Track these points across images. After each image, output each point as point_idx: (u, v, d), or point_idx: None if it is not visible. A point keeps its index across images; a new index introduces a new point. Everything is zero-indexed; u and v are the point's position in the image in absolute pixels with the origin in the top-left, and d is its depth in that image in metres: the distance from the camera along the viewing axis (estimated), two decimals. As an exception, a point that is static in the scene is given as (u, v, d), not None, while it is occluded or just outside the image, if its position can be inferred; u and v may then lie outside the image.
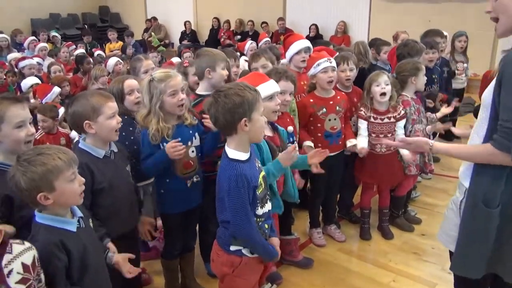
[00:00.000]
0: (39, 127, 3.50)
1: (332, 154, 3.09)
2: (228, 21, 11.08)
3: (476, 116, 2.43)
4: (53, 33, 9.49)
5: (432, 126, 3.37)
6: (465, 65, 5.02)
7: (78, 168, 1.69)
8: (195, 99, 2.74)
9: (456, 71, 4.96)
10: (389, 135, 3.17)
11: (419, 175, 3.81)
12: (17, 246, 1.42)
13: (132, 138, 2.60)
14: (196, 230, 2.85)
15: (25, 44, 8.03)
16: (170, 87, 2.31)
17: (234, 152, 1.89)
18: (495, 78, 1.66)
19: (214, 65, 2.67)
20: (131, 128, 2.63)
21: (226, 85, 2.03)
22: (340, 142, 3.15)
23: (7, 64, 6.27)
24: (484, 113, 1.74)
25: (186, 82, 2.63)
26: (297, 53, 3.29)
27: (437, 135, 3.86)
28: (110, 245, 2.02)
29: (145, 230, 2.44)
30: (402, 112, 3.19)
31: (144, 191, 2.73)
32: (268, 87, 2.30)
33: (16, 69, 5.82)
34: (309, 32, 9.65)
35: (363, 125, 3.18)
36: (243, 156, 1.89)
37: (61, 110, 3.54)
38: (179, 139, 2.32)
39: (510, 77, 1.57)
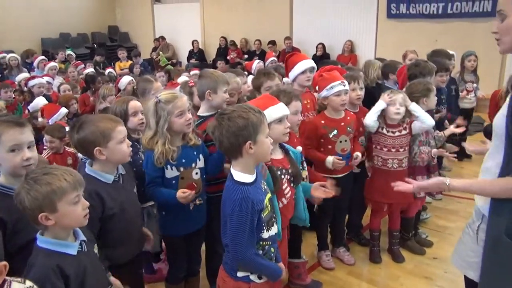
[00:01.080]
0: (45, 147, 3.50)
1: (341, 175, 3.06)
2: (233, 42, 11.17)
3: (485, 135, 2.37)
4: (68, 52, 9.80)
5: (438, 151, 3.31)
6: (475, 85, 4.99)
7: (87, 197, 1.66)
8: (197, 120, 2.71)
9: (465, 91, 4.92)
10: (401, 149, 3.12)
11: (428, 196, 3.75)
12: (16, 285, 1.35)
13: (134, 159, 2.54)
14: (201, 254, 2.79)
15: (35, 64, 8.12)
16: (177, 107, 2.29)
17: (240, 174, 1.85)
18: (504, 105, 1.62)
19: (216, 88, 2.65)
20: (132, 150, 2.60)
21: (229, 107, 1.98)
22: (350, 163, 3.10)
23: (16, 83, 6.34)
24: (498, 141, 1.69)
25: (191, 102, 2.61)
26: (303, 72, 3.25)
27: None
28: (114, 280, 1.94)
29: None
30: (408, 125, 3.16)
31: (148, 212, 2.68)
32: (277, 110, 2.24)
33: (25, 88, 5.87)
34: (316, 51, 9.67)
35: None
36: (249, 178, 1.85)
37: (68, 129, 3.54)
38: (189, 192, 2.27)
39: None
